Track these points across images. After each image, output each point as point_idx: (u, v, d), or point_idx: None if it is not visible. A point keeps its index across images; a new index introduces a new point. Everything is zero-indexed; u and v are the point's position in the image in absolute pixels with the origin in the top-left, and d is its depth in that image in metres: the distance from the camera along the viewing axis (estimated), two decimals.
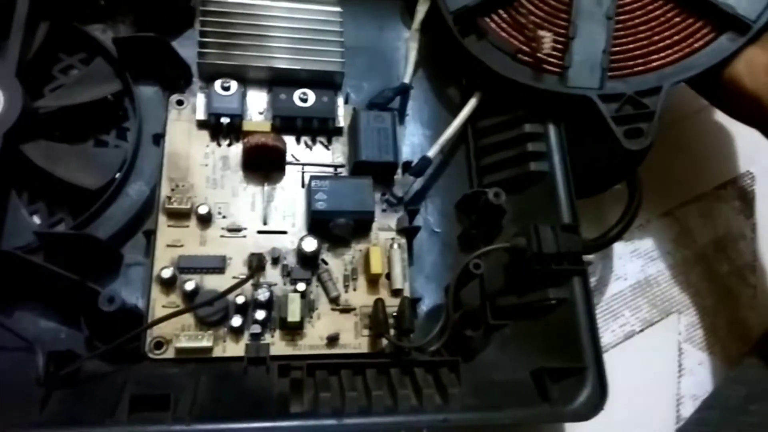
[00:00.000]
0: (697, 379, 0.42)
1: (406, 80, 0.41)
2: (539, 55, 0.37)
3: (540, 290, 0.35)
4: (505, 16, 0.39)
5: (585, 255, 0.36)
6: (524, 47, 0.38)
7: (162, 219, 0.36)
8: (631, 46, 0.38)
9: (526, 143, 0.38)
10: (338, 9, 0.41)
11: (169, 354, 0.33)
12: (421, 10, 0.40)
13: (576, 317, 0.35)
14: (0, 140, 0.33)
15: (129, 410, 0.29)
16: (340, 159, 0.40)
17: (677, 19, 0.39)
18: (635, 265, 0.44)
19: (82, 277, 0.32)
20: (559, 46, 0.38)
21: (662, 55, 0.38)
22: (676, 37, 0.38)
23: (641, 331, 0.43)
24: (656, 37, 0.38)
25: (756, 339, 0.43)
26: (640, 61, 0.38)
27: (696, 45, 0.38)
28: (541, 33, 0.37)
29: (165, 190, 0.36)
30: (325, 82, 0.40)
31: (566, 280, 0.35)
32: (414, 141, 0.42)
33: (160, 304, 0.34)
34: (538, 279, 0.35)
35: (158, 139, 0.37)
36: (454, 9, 0.38)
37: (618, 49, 0.38)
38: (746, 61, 0.37)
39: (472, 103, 0.40)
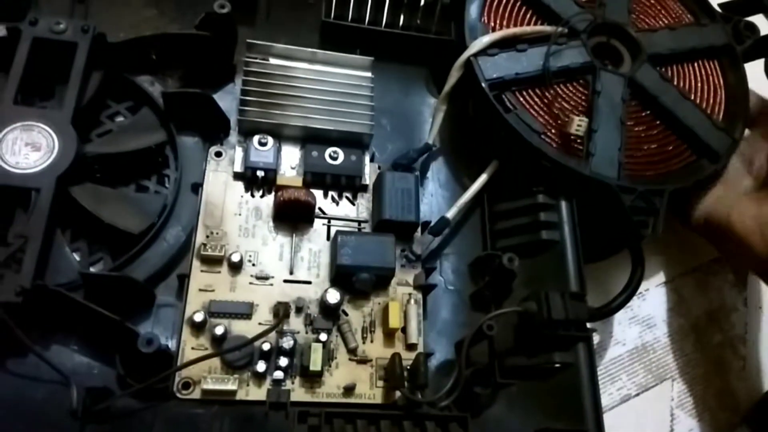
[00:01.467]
0: None
1: (430, 141, 0.44)
2: (571, 136, 0.41)
3: (547, 353, 0.37)
4: (535, 95, 0.42)
5: (589, 322, 0.38)
6: (550, 127, 0.42)
7: (196, 264, 0.38)
8: (638, 150, 0.44)
9: (539, 212, 0.41)
10: (370, 75, 0.44)
11: (196, 395, 0.35)
12: (455, 75, 0.43)
13: (579, 381, 0.37)
14: (53, 184, 0.35)
15: None
16: (364, 214, 0.42)
17: (670, 138, 0.45)
18: (633, 332, 0.47)
19: (120, 315, 0.34)
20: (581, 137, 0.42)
21: (661, 165, 0.44)
22: (671, 152, 0.44)
23: (637, 395, 0.45)
24: (655, 149, 0.44)
25: (744, 409, 0.46)
26: (646, 165, 0.43)
27: (683, 163, 0.44)
28: (578, 118, 0.40)
29: (200, 237, 0.38)
30: (354, 142, 0.43)
31: (572, 345, 0.38)
32: (432, 200, 0.45)
33: (190, 345, 0.36)
34: (545, 342, 0.37)
35: (197, 188, 0.40)
36: (489, 77, 0.42)
37: (629, 150, 0.43)
38: (737, 211, 0.44)
39: (489, 170, 0.43)
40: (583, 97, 0.44)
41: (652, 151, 0.44)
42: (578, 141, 0.42)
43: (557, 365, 0.37)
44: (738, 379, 0.47)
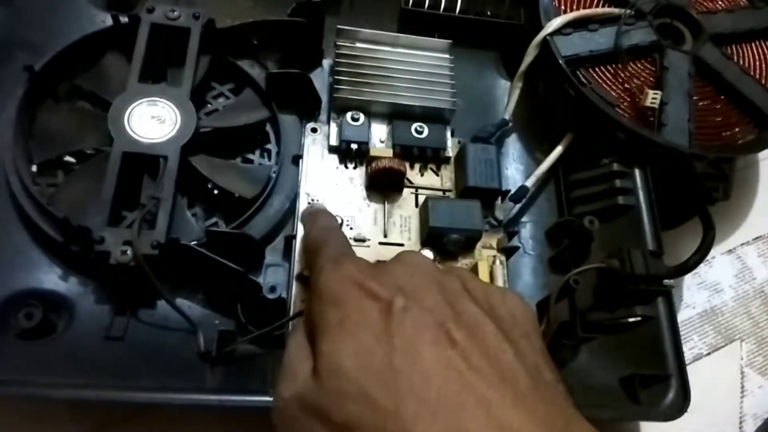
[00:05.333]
0: (758, 400, 0.46)
1: (506, 116, 0.47)
2: (645, 108, 0.44)
3: (628, 308, 0.40)
4: (607, 71, 0.45)
5: (667, 279, 0.41)
6: (622, 100, 0.44)
7: (300, 227, 0.41)
8: (704, 122, 0.46)
9: (614, 180, 0.44)
10: (449, 56, 0.47)
11: None
12: (531, 53, 0.46)
13: (660, 332, 0.40)
14: (178, 152, 0.39)
15: None
16: (448, 184, 0.45)
17: (733, 111, 0.47)
18: (702, 296, 0.49)
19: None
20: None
21: (727, 135, 0.47)
22: (734, 124, 0.47)
23: (708, 354, 0.47)
24: (720, 122, 0.47)
25: None
26: (713, 135, 0.46)
27: (748, 134, 0.47)
28: (652, 92, 0.43)
29: (303, 203, 0.42)
30: (437, 117, 0.46)
31: (652, 299, 0.40)
32: (507, 174, 0.48)
33: (300, 298, 0.39)
34: (627, 297, 0.40)
35: (297, 160, 0.43)
36: (565, 55, 0.45)
37: (697, 122, 0.46)
38: None
39: (564, 142, 0.46)
40: (651, 73, 0.47)
41: (717, 123, 0.47)
42: (650, 113, 0.44)
43: (639, 318, 0.40)
44: None
